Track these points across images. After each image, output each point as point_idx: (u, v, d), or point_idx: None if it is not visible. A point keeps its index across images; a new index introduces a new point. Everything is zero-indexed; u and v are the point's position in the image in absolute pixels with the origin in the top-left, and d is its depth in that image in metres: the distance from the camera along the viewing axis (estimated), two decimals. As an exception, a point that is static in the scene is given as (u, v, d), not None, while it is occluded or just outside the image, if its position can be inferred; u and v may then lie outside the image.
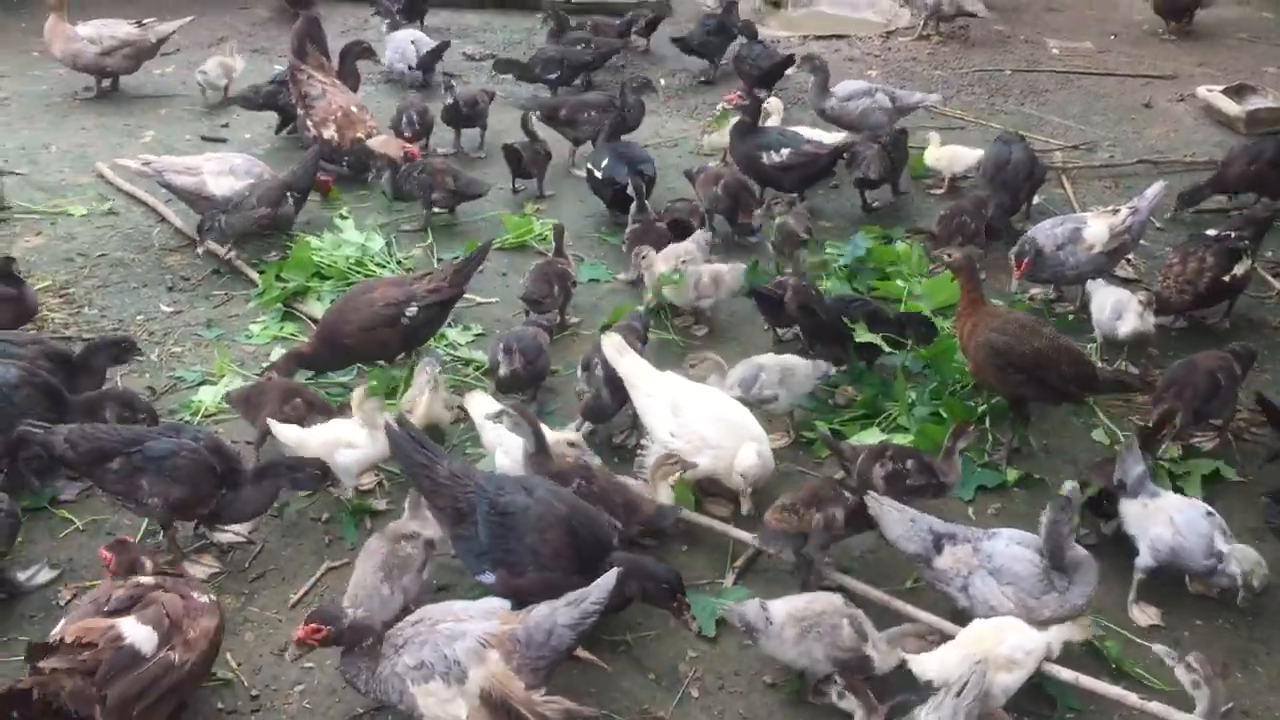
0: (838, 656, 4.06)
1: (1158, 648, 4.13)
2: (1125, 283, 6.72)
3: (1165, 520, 4.58)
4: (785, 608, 4.17)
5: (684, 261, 6.52)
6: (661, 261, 6.54)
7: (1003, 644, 3.92)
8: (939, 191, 8.35)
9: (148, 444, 4.62)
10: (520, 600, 4.06)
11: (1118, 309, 6.13)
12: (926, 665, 4.00)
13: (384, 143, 7.95)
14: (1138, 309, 6.06)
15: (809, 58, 9.19)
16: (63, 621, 3.81)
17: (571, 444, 4.97)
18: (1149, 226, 7.19)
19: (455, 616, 3.86)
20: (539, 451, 4.73)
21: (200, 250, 7.01)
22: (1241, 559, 4.51)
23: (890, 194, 8.17)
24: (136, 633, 3.72)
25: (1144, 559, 4.62)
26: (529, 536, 4.15)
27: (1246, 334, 6.66)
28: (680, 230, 7.09)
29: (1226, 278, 6.43)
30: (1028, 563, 4.27)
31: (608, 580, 3.91)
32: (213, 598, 4.06)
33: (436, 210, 7.64)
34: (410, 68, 10.16)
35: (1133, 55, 11.52)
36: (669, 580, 4.25)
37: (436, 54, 10.17)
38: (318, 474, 4.84)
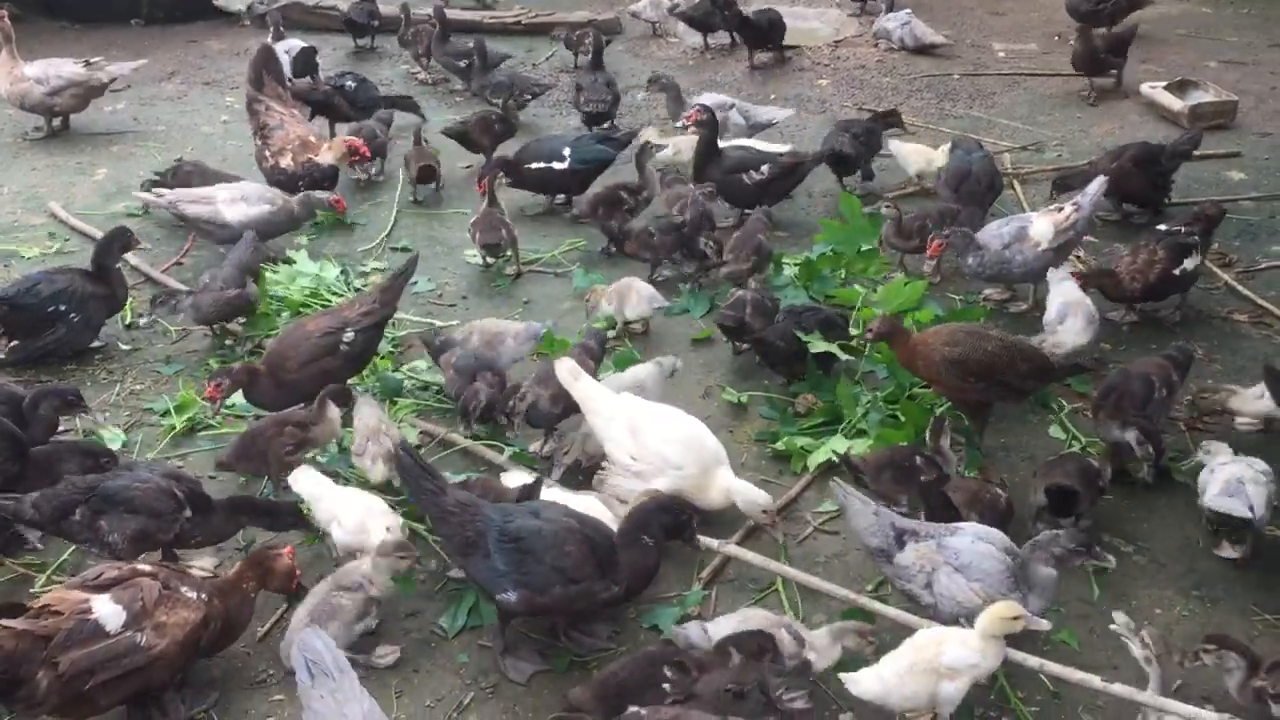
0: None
1: (1117, 615, 4.24)
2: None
3: None
4: (723, 631, 4.18)
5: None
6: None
7: (943, 655, 3.90)
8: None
9: (102, 485, 4.60)
10: (543, 615, 4.40)
11: (1062, 313, 6.14)
12: (864, 683, 3.92)
13: (336, 146, 8.06)
14: (1084, 323, 6.08)
15: (655, 79, 9.43)
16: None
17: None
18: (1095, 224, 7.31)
19: None
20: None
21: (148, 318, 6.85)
22: None
23: (859, 181, 8.49)
24: (104, 609, 3.85)
25: None
26: (549, 555, 4.21)
27: (1197, 325, 6.79)
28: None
29: (1177, 271, 6.57)
30: (995, 559, 4.26)
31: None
32: (203, 596, 4.09)
33: None
34: (291, 81, 9.52)
35: (1077, 55, 11.68)
36: (684, 510, 4.48)
37: (308, 60, 9.91)
38: (290, 520, 4.82)
